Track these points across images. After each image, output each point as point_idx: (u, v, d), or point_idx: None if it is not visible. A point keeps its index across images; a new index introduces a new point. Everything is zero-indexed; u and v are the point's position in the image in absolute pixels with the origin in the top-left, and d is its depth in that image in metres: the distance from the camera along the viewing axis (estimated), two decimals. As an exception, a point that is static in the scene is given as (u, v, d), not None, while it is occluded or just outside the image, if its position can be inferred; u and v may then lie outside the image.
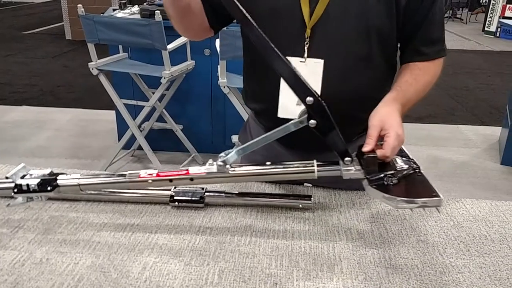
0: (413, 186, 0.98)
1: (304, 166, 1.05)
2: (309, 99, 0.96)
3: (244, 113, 2.99)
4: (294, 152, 1.33)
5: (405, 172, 1.01)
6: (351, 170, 1.02)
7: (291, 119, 1.14)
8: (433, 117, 4.68)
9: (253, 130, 1.41)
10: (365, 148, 1.02)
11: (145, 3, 3.50)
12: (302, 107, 1.10)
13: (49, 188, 1.05)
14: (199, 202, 1.19)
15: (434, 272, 0.98)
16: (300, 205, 1.20)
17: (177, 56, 3.16)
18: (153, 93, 3.26)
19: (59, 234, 1.08)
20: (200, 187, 1.22)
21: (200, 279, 0.94)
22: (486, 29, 10.42)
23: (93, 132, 4.24)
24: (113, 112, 3.74)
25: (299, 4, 1.14)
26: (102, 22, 3.01)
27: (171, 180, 1.05)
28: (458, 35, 10.17)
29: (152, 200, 1.22)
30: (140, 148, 3.47)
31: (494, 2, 10.18)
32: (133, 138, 3.40)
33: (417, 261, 1.02)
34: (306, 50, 1.15)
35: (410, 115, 4.74)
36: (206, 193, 1.20)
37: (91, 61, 3.10)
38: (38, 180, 1.05)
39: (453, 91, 5.57)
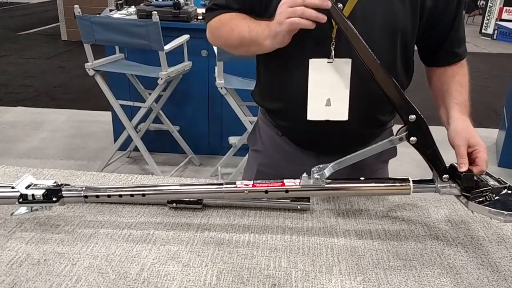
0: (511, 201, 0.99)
1: (400, 183, 1.06)
2: (412, 116, 0.99)
3: (241, 114, 2.99)
4: (307, 153, 1.32)
5: (500, 190, 1.03)
6: (447, 186, 1.04)
7: (320, 121, 1.14)
8: (431, 119, 4.60)
9: (264, 132, 1.40)
10: (462, 168, 1.04)
11: (141, 4, 3.49)
12: (331, 108, 1.12)
13: (54, 199, 1.06)
14: (197, 203, 1.18)
15: (433, 273, 0.98)
16: (298, 207, 1.19)
17: (174, 57, 3.16)
18: (150, 94, 3.25)
19: (56, 235, 1.07)
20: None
21: (199, 280, 0.93)
22: (483, 31, 10.47)
23: (89, 133, 4.23)
24: (109, 113, 3.74)
25: None
26: (99, 23, 3.00)
27: (266, 192, 1.06)
28: (454, 37, 10.19)
29: (150, 201, 1.21)
30: (136, 149, 3.47)
31: (491, 5, 10.23)
32: (129, 139, 3.39)
33: (415, 262, 1.01)
34: (333, 51, 1.13)
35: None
36: (204, 194, 1.19)
37: (87, 61, 3.09)
38: (43, 190, 1.06)
39: (449, 93, 5.54)
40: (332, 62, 1.13)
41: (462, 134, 1.11)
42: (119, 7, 3.68)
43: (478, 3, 12.81)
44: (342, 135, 1.22)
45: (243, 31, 1.15)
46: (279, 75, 1.23)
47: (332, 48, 1.13)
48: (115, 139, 3.53)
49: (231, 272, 0.96)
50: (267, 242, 1.07)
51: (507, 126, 3.71)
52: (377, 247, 1.06)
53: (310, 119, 1.18)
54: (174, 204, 1.19)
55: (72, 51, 7.67)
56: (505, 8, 9.93)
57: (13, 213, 1.08)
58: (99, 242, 1.05)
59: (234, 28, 1.18)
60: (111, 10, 3.74)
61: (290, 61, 1.18)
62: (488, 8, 10.34)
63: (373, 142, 1.30)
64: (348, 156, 1.06)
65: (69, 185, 1.10)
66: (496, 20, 9.93)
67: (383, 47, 1.15)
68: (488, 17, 10.34)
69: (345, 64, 1.13)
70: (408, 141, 1.02)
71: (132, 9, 3.62)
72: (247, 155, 1.52)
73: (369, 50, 1.01)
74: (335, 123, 1.17)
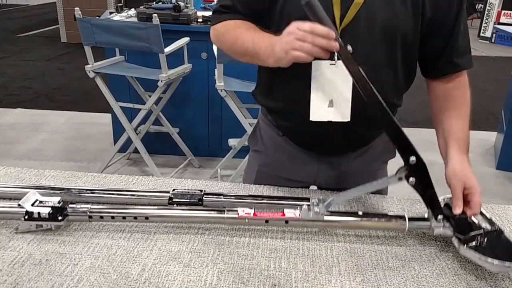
0: (502, 247, 1.01)
1: (396, 220, 1.08)
2: (412, 158, 1.01)
3: (241, 116, 2.99)
4: (308, 154, 1.34)
5: (491, 233, 1.05)
6: (441, 226, 1.06)
7: (322, 122, 1.18)
8: (430, 122, 4.65)
9: (265, 133, 1.40)
10: (457, 211, 1.07)
11: (142, 6, 3.50)
12: (334, 109, 1.16)
13: (59, 218, 1.07)
14: (198, 204, 1.19)
15: (431, 274, 0.99)
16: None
17: (174, 59, 3.17)
18: (150, 96, 3.26)
19: (58, 235, 1.08)
20: (198, 189, 1.22)
21: (199, 280, 0.94)
22: (481, 34, 10.48)
23: (89, 135, 4.23)
24: (109, 115, 3.74)
25: (331, 8, 1.12)
26: (99, 25, 3.01)
27: (267, 221, 1.08)
28: (453, 41, 10.21)
29: (151, 201, 1.22)
30: (136, 151, 3.47)
31: (490, 8, 10.25)
32: (129, 141, 3.40)
33: (414, 263, 1.02)
34: (336, 53, 1.12)
35: (407, 119, 4.76)
36: (204, 196, 1.20)
37: (87, 63, 3.09)
38: (49, 209, 1.07)
39: (448, 96, 5.56)
40: (334, 64, 1.13)
41: (459, 176, 1.13)
42: (119, 10, 3.69)
43: (476, 7, 12.84)
44: (343, 136, 1.23)
45: (247, 42, 1.16)
46: (282, 76, 1.23)
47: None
48: (115, 141, 3.53)
49: (231, 272, 0.97)
50: (267, 243, 1.07)
51: (505, 129, 3.72)
52: (376, 248, 1.07)
53: (313, 120, 1.18)
54: (175, 205, 1.20)
55: (72, 53, 7.67)
56: (503, 11, 9.94)
57: (17, 228, 1.09)
58: (101, 243, 1.06)
59: (238, 36, 1.19)
60: (111, 13, 3.74)
61: (293, 63, 1.19)
62: (486, 12, 10.36)
63: (372, 142, 1.31)
64: (348, 191, 1.10)
65: (74, 203, 1.11)
66: (495, 23, 9.94)
67: (383, 48, 1.16)
68: (486, 21, 10.35)
69: None
70: (407, 181, 1.04)
71: (132, 11, 3.63)
72: (247, 156, 1.52)
73: (376, 92, 1.02)
74: (336, 124, 1.18)
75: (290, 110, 1.26)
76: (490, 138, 4.25)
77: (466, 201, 1.10)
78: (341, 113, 1.17)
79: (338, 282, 0.95)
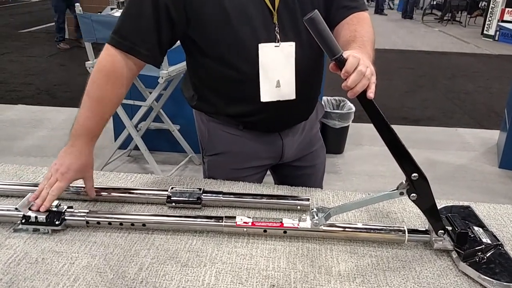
0: (501, 265, 0.99)
1: (396, 232, 1.08)
2: (414, 175, 1.01)
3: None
4: (270, 133, 1.38)
5: (491, 248, 1.04)
6: (441, 240, 1.05)
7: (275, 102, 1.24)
8: (432, 120, 4.69)
9: (221, 134, 1.41)
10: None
11: (143, 3, 3.48)
12: (281, 89, 1.23)
13: (56, 222, 1.07)
14: (196, 203, 1.18)
15: (432, 275, 0.98)
16: (298, 207, 1.19)
17: (175, 55, 3.14)
18: (150, 92, 3.25)
19: (54, 234, 1.07)
20: (197, 188, 1.21)
21: (197, 280, 0.93)
22: (485, 32, 10.46)
23: (90, 132, 4.21)
24: (110, 111, 3.72)
25: None
26: (100, 21, 2.99)
27: (265, 231, 1.08)
28: (457, 38, 10.19)
29: (149, 200, 1.21)
30: (136, 148, 3.46)
31: (493, 6, 10.22)
32: (129, 138, 3.38)
33: (415, 264, 1.01)
34: (277, 35, 1.20)
35: (408, 117, 4.74)
36: (203, 194, 1.19)
37: (88, 60, 3.08)
38: (47, 213, 1.07)
39: (451, 94, 5.57)
40: (278, 46, 1.20)
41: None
42: (120, 6, 3.68)
43: (479, 4, 12.81)
44: (295, 111, 1.32)
45: (80, 110, 1.23)
46: (241, 83, 1.25)
47: (276, 33, 1.19)
48: (116, 138, 3.52)
49: (229, 272, 0.96)
50: (266, 243, 1.06)
51: (508, 128, 3.70)
52: (376, 248, 1.06)
53: (263, 100, 1.23)
54: (173, 203, 1.19)
55: (73, 49, 7.67)
56: (507, 9, 9.91)
57: (15, 229, 1.08)
58: (97, 241, 1.04)
59: (83, 104, 1.23)
60: (112, 9, 3.74)
61: (245, 49, 1.21)
62: (490, 9, 10.33)
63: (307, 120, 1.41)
64: (348, 203, 1.10)
65: (72, 207, 1.11)
66: (498, 21, 9.91)
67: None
68: (490, 18, 10.32)
69: (290, 47, 1.21)
70: (409, 196, 1.03)
71: (134, 7, 3.61)
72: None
73: (385, 119, 1.00)
74: (287, 101, 1.24)
75: (248, 100, 1.27)
76: (493, 136, 4.23)
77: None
78: (287, 92, 1.24)
79: (337, 283, 0.94)
